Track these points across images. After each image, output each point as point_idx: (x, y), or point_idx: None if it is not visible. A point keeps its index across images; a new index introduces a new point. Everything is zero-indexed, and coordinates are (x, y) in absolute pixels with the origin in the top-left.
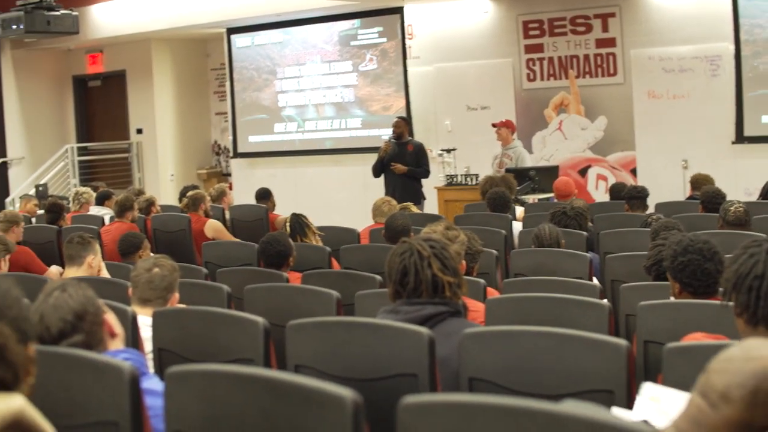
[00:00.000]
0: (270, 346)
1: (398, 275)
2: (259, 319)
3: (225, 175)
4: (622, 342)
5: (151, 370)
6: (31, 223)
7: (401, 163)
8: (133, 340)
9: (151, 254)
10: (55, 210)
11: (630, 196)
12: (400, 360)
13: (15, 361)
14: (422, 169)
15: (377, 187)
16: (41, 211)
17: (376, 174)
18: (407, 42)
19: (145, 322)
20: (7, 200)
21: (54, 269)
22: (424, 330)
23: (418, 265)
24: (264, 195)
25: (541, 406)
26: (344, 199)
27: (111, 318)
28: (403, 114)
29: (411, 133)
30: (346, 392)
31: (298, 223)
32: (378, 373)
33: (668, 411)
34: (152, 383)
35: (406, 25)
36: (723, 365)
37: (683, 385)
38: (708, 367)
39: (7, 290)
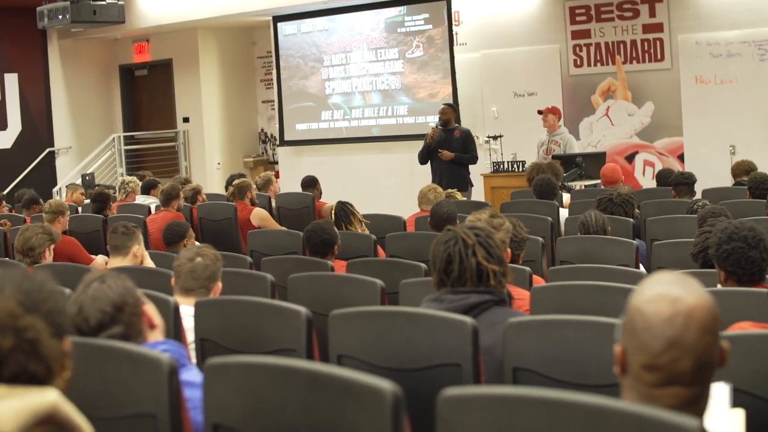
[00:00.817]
0: (312, 336)
1: (443, 263)
2: (302, 309)
3: (272, 163)
4: None
5: (194, 360)
6: (77, 212)
7: (448, 149)
8: (175, 330)
9: (196, 243)
10: (101, 199)
11: (677, 183)
12: (443, 349)
13: (48, 356)
14: (470, 155)
15: (424, 174)
16: (88, 201)
17: (423, 161)
18: (454, 28)
19: (187, 312)
20: (54, 189)
21: (100, 259)
22: (467, 319)
23: (462, 254)
24: (310, 183)
25: (583, 398)
26: (391, 187)
27: (150, 309)
28: (450, 101)
29: (458, 120)
30: (385, 384)
31: (344, 211)
32: (422, 362)
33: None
34: (191, 375)
35: (453, 11)
36: None
37: (730, 376)
38: None
39: (42, 283)
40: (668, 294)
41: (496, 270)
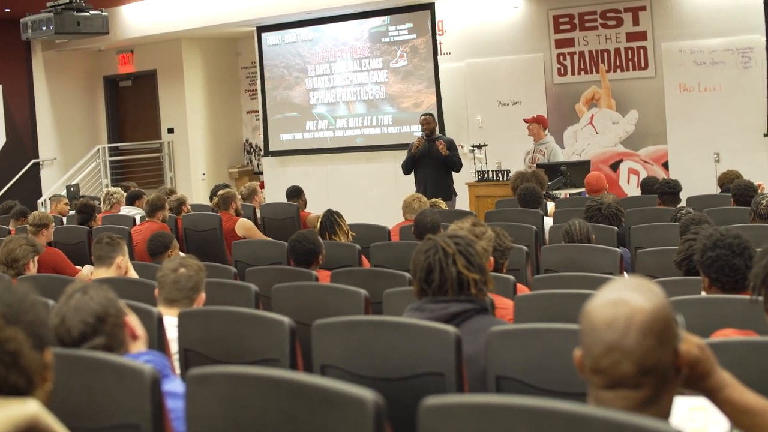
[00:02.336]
0: (296, 346)
1: (423, 273)
2: (285, 319)
3: (256, 174)
4: None
5: (178, 371)
6: (62, 223)
7: (432, 158)
8: (159, 341)
9: (181, 254)
10: (86, 211)
11: (662, 191)
12: (426, 359)
13: (29, 368)
14: (458, 158)
15: (409, 183)
16: (72, 212)
17: (407, 171)
18: (438, 38)
19: (171, 323)
20: (39, 201)
21: (86, 269)
22: (450, 328)
23: (443, 263)
24: (295, 193)
25: (565, 406)
26: (376, 197)
27: (133, 320)
28: (434, 110)
29: (442, 129)
30: (367, 393)
31: (330, 220)
32: (405, 372)
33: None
34: (174, 385)
35: (436, 21)
36: None
37: None
38: None
39: (23, 294)
40: (615, 298)
41: (477, 279)
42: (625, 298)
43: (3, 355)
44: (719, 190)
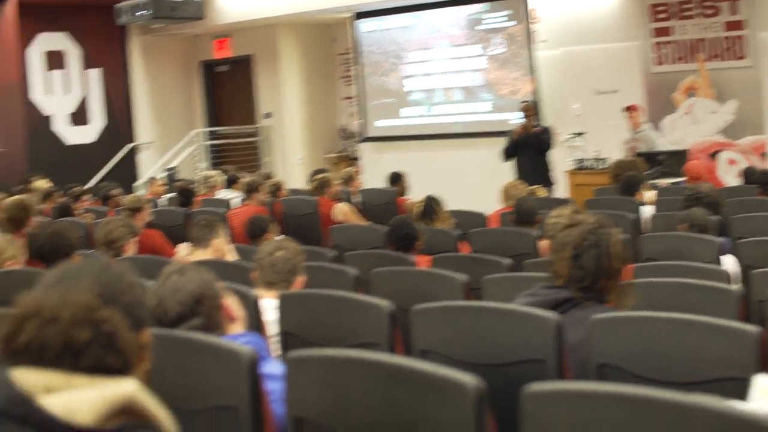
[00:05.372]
0: (396, 330)
1: (572, 257)
2: (384, 303)
3: (352, 159)
4: (751, 328)
5: (275, 353)
6: (156, 205)
7: (531, 146)
8: (255, 323)
9: (279, 237)
10: (185, 194)
11: (763, 181)
12: (527, 345)
13: (125, 349)
14: (548, 140)
15: (506, 171)
16: (168, 195)
17: (508, 157)
18: (534, 26)
19: (268, 305)
20: (136, 184)
21: (183, 246)
22: (551, 315)
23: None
24: (396, 179)
25: (668, 396)
26: (473, 183)
27: (231, 301)
28: (531, 98)
29: (540, 117)
30: (468, 378)
31: (430, 206)
32: (505, 358)
33: None
34: (272, 367)
35: (530, 8)
36: None
37: None
38: None
39: (121, 275)
40: None
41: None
42: None
43: (99, 336)
44: None
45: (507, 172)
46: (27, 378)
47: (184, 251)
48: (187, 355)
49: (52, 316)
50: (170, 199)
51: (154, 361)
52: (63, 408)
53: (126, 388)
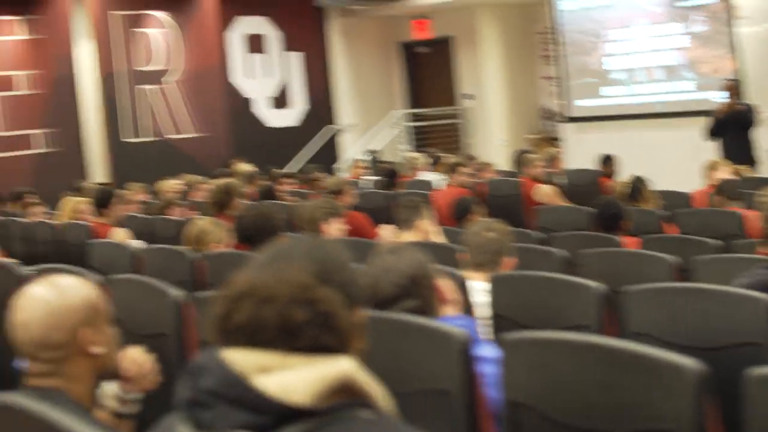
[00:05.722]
0: (607, 312)
1: None
2: (596, 285)
3: (554, 140)
4: None
5: (484, 336)
6: (358, 188)
7: (736, 125)
8: (465, 305)
9: (483, 218)
10: (389, 175)
11: None
12: (739, 328)
13: (341, 328)
14: (752, 118)
15: (709, 150)
16: (370, 177)
17: (713, 136)
18: (735, 2)
19: (476, 287)
20: (336, 166)
21: (387, 228)
22: (761, 296)
23: None
24: (605, 160)
25: None
26: (675, 163)
27: (445, 283)
28: (733, 76)
29: (743, 95)
30: (689, 362)
31: (636, 186)
32: (719, 341)
33: None
34: (486, 350)
35: None
36: None
37: None
38: None
39: (334, 254)
40: None
41: None
42: None
43: (316, 315)
44: None
45: (710, 151)
46: (240, 359)
47: (388, 233)
48: (399, 337)
49: (268, 296)
50: (375, 181)
51: (367, 342)
52: (279, 388)
53: (342, 366)
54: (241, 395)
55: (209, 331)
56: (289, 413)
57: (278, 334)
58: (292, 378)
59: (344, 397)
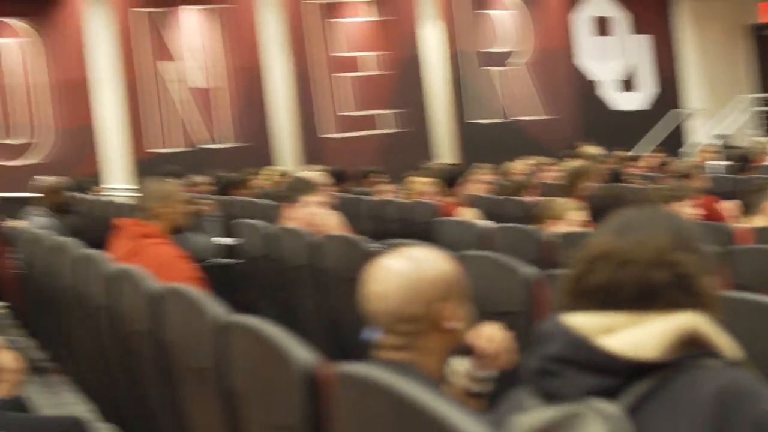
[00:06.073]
0: None
1: None
2: None
3: None
4: None
5: None
6: (705, 171)
7: None
8: None
9: None
10: (741, 159)
11: None
12: None
13: (701, 292)
14: None
15: None
16: (720, 162)
17: None
18: None
19: None
20: (683, 149)
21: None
22: None
23: None
24: None
25: None
26: None
27: None
28: None
29: None
30: None
31: None
32: None
33: None
34: None
35: None
36: None
37: None
38: None
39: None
40: None
41: None
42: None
43: (676, 277)
44: None
45: None
46: (584, 322)
47: (731, 209)
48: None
49: (628, 259)
50: (726, 166)
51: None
52: (627, 345)
53: (689, 318)
54: (588, 357)
55: (560, 294)
56: (637, 370)
57: (637, 296)
58: (639, 334)
59: (692, 348)
